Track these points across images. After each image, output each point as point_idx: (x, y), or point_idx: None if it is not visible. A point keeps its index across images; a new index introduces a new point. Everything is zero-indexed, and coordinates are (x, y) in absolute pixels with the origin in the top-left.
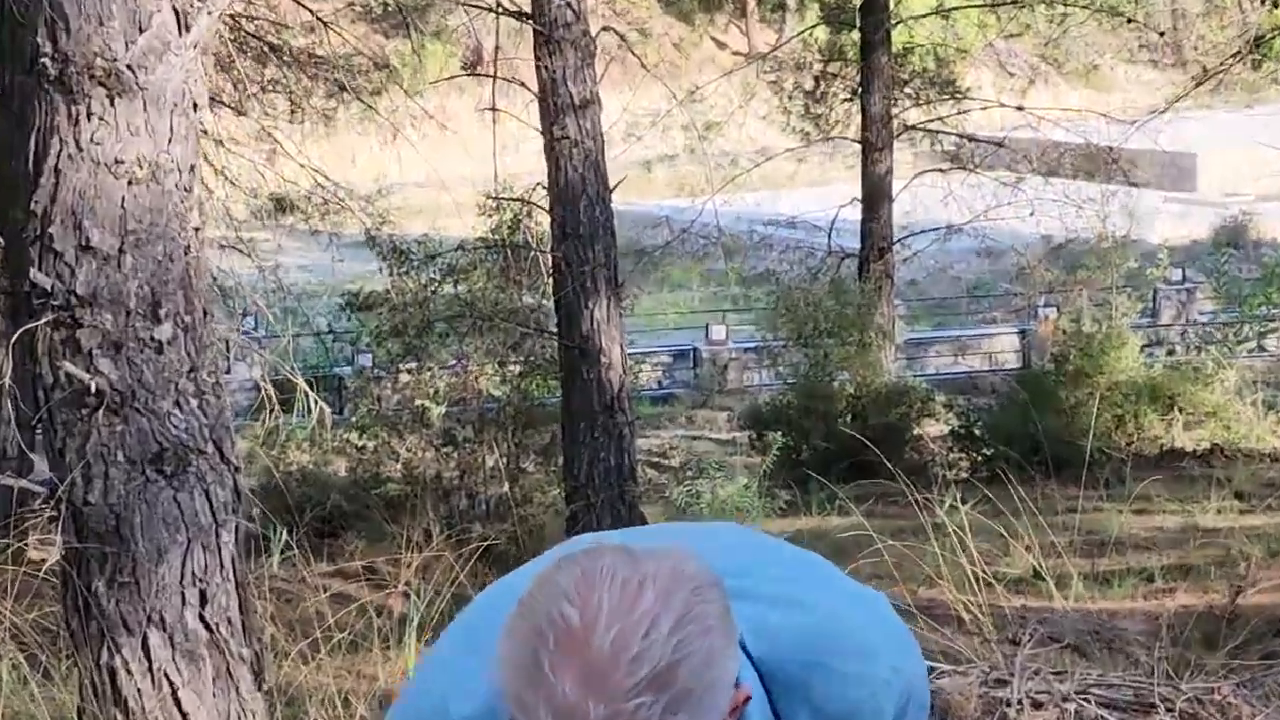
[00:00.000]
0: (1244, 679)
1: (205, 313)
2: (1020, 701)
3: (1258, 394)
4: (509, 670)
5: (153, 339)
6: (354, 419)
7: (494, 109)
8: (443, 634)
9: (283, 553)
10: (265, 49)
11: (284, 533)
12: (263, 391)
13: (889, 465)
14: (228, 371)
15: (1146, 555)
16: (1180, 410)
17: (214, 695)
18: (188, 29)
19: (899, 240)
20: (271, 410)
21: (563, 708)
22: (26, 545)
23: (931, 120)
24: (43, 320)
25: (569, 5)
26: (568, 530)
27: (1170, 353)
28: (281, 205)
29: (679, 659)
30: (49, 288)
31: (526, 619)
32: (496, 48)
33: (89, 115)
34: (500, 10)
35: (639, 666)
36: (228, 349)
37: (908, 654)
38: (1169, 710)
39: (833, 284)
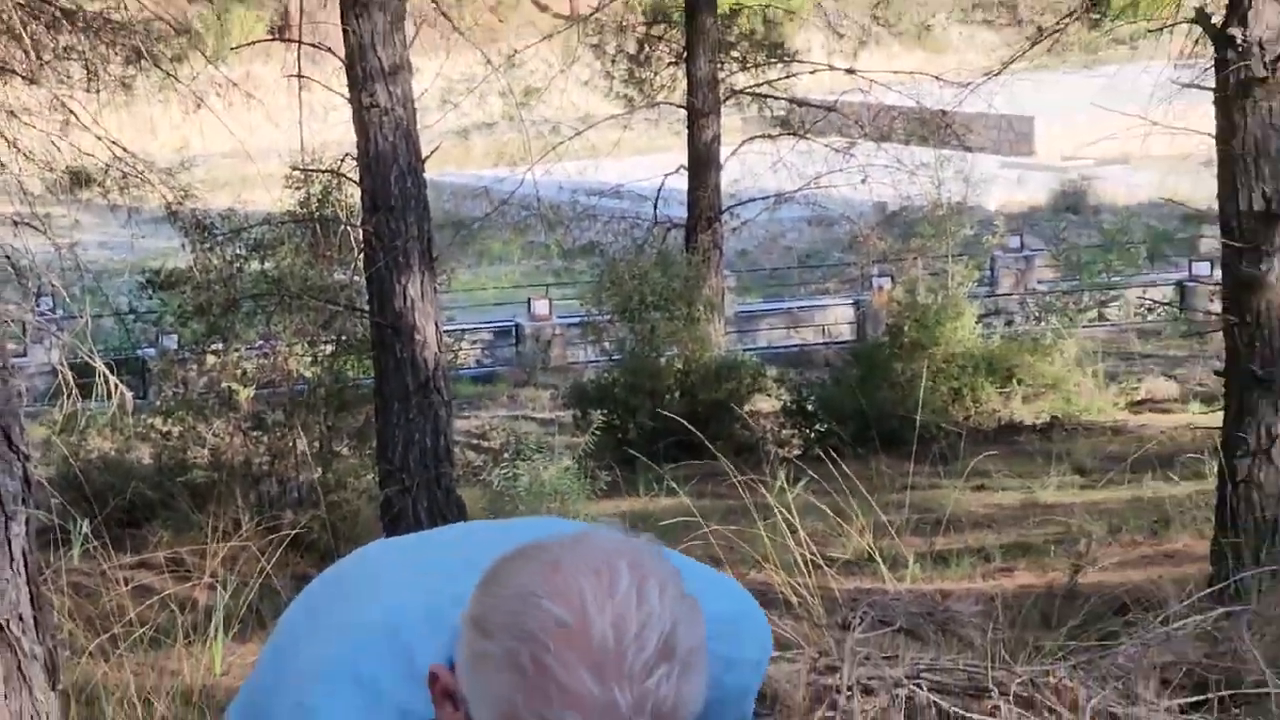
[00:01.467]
0: (1081, 661)
1: None
2: (850, 688)
3: (1098, 365)
4: (511, 695)
5: None
6: (158, 403)
7: (300, 75)
8: (273, 639)
9: (83, 545)
10: (58, 14)
11: (84, 524)
12: (60, 376)
13: (711, 447)
14: (23, 355)
15: (984, 533)
16: (1019, 382)
17: (4, 696)
18: None
19: (727, 209)
20: (70, 395)
21: (592, 709)
22: None
23: (760, 85)
24: None
25: None
26: (382, 516)
27: (1009, 323)
28: (78, 179)
29: (675, 622)
30: None
31: (507, 638)
32: (302, 11)
33: None
34: None
35: (646, 641)
36: (23, 331)
37: (767, 635)
38: (1003, 695)
39: (659, 255)
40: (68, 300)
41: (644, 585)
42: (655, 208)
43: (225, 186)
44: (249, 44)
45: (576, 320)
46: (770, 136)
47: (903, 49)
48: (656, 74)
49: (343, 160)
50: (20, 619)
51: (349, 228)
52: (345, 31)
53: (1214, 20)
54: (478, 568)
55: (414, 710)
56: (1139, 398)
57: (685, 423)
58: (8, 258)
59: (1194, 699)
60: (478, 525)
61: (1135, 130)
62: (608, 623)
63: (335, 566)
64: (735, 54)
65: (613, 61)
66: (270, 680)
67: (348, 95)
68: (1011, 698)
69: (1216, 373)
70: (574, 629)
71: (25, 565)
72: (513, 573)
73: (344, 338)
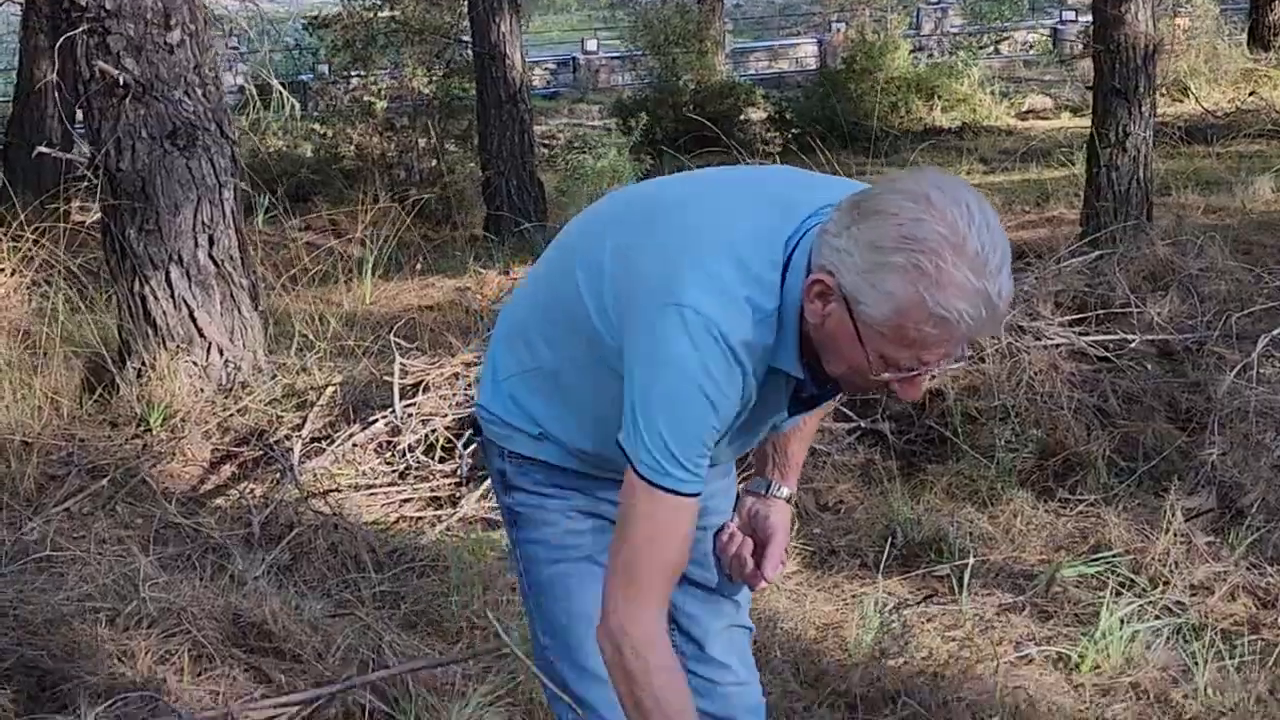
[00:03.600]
0: None
1: (205, 22)
2: None
3: (995, 86)
4: (914, 291)
5: (165, 42)
6: (316, 113)
7: None
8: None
9: (267, 213)
10: None
11: (267, 198)
12: (247, 92)
13: (723, 136)
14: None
15: None
16: (939, 98)
17: (221, 315)
18: None
19: None
20: (254, 106)
21: (974, 296)
22: (71, 209)
23: None
24: (79, 29)
25: None
26: (482, 192)
27: (930, 56)
28: None
29: (1005, 238)
30: (83, 3)
31: (908, 252)
32: None
33: None
34: None
35: (996, 249)
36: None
37: None
38: None
39: (678, 6)
40: (251, 38)
41: (986, 212)
42: None
43: None
44: None
45: (618, 55)
46: None
47: None
48: None
49: None
50: (231, 259)
51: None
52: None
53: None
54: (774, 203)
55: (754, 300)
56: (1024, 109)
57: (704, 120)
58: (208, 6)
59: (1077, 315)
60: (742, 172)
61: None
62: (975, 237)
63: (633, 192)
64: None
65: None
66: (594, 283)
67: None
68: None
69: (1087, 87)
70: (956, 242)
71: (235, 221)
72: (895, 207)
73: (452, 64)
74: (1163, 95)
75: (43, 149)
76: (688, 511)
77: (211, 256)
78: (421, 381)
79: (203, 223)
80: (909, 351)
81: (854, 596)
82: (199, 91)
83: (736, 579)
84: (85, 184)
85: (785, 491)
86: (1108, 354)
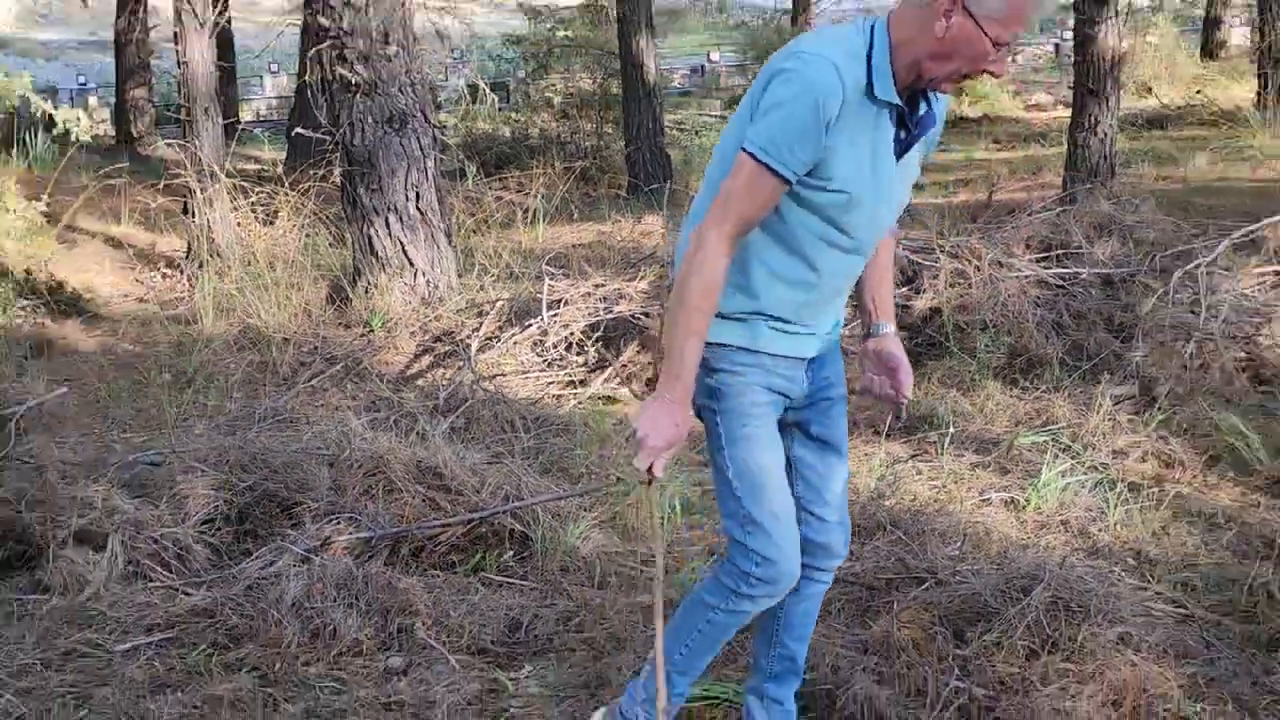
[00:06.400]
0: (986, 235)
1: (413, 39)
2: None
3: (1009, 88)
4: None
5: (385, 54)
6: (511, 105)
7: None
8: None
9: (473, 177)
10: None
11: (473, 166)
12: (463, 92)
13: None
14: (444, 80)
15: (939, 174)
16: (965, 95)
17: (425, 248)
18: None
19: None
20: (465, 101)
21: None
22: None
23: None
24: (324, 44)
25: None
26: (626, 162)
27: None
28: None
29: None
30: (328, 26)
31: None
32: None
33: None
34: None
35: None
36: (445, 70)
37: None
38: (940, 250)
39: (776, 27)
40: (464, 50)
41: None
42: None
43: None
44: None
45: (735, 63)
46: None
47: None
48: None
49: None
50: (432, 209)
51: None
52: None
53: None
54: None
55: (849, 49)
56: (1031, 103)
57: None
58: (433, 23)
59: (1042, 254)
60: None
61: None
62: None
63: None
64: None
65: None
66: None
67: None
68: (947, 249)
69: (1069, 87)
70: None
71: (435, 181)
72: None
73: (607, 69)
74: (1132, 93)
75: (300, 130)
76: (772, 186)
77: (418, 208)
78: (563, 299)
79: (411, 183)
80: (1010, 29)
81: (865, 455)
82: (409, 89)
83: (889, 404)
84: (328, 154)
85: (890, 328)
86: (1064, 283)
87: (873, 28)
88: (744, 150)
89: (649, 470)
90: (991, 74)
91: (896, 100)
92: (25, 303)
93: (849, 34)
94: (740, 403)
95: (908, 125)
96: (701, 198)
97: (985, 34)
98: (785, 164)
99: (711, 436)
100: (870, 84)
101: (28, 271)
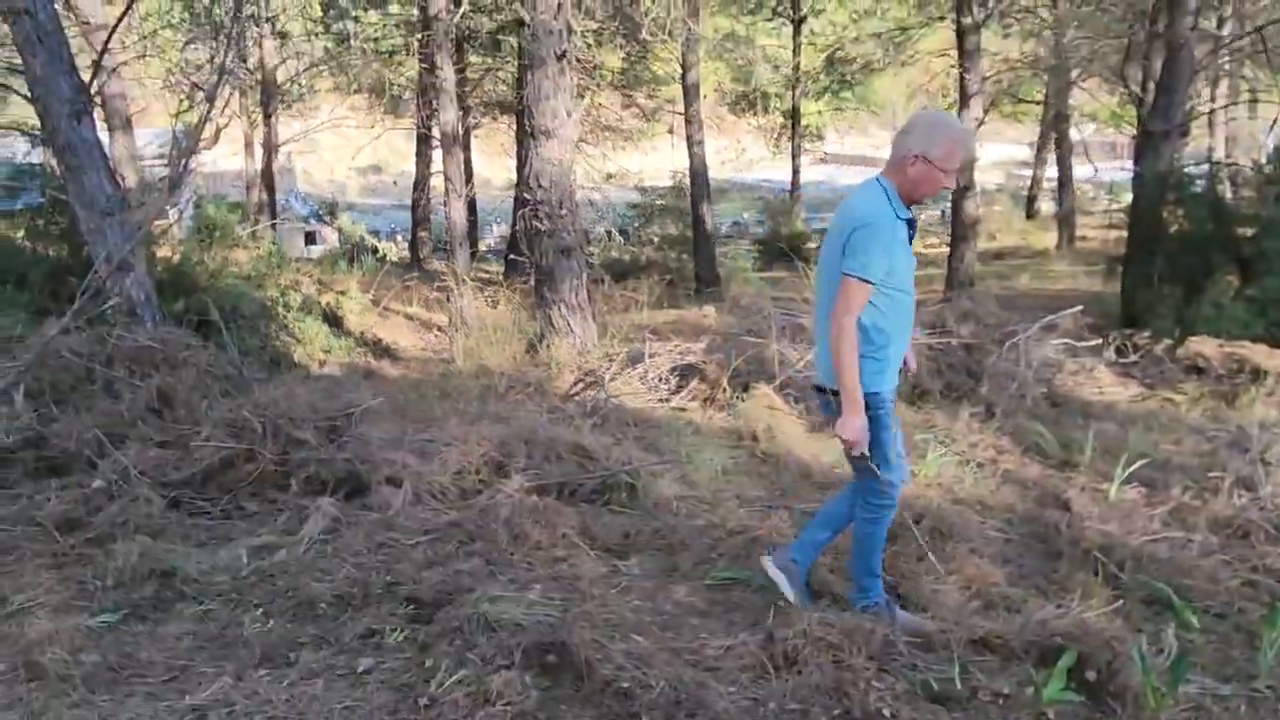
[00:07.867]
0: None
1: (577, 204)
2: None
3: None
4: (957, 135)
5: (560, 212)
6: (630, 242)
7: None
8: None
9: (607, 283)
10: None
11: (608, 277)
12: (604, 234)
13: None
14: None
15: None
16: None
17: (579, 324)
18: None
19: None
20: (604, 240)
21: (969, 135)
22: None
23: None
24: (526, 208)
25: None
26: (695, 276)
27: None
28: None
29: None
30: (529, 198)
31: (955, 127)
32: None
33: (535, 143)
34: None
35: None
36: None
37: None
38: None
39: (781, 199)
40: (604, 210)
41: (965, 126)
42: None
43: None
44: None
45: (758, 220)
46: None
47: None
48: None
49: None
50: (583, 303)
51: (685, 189)
52: None
53: None
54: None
55: (886, 195)
56: (927, 244)
57: None
58: (588, 196)
59: (930, 329)
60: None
61: None
62: (957, 119)
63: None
64: None
65: None
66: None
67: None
68: None
69: (948, 236)
70: (953, 119)
71: (585, 287)
72: (929, 117)
73: (683, 221)
74: (984, 238)
75: (513, 255)
76: (868, 290)
77: (576, 300)
78: (656, 353)
79: (573, 286)
80: (952, 165)
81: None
82: (573, 233)
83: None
84: (523, 270)
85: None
86: (942, 347)
87: (879, 180)
88: (848, 276)
89: (860, 451)
90: (947, 188)
91: (907, 215)
92: (360, 349)
93: (874, 189)
94: (879, 415)
95: (911, 227)
96: (821, 303)
97: (937, 169)
98: (872, 272)
99: (872, 423)
100: (894, 210)
101: (361, 333)
